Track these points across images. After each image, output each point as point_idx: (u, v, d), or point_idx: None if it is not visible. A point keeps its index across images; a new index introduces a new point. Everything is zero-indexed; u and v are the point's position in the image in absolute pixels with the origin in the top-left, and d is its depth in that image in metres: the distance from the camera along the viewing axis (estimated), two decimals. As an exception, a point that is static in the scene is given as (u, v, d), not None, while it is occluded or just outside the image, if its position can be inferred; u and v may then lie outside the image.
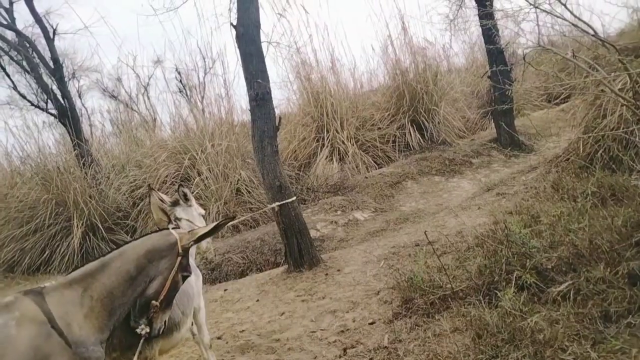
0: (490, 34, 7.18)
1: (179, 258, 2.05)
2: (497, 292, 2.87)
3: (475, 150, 8.52)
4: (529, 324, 2.46)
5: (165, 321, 2.10)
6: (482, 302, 2.87)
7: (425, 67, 9.39)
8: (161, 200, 2.81)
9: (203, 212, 3.11)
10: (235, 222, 6.37)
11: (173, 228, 2.15)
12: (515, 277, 2.84)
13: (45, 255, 7.64)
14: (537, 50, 4.87)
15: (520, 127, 8.82)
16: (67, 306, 1.78)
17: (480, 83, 10.42)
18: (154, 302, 1.98)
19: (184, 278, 2.12)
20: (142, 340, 2.11)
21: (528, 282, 2.78)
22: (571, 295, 2.58)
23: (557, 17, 3.80)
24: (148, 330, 2.00)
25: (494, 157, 8.27)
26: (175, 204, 2.84)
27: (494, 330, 2.55)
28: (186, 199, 2.91)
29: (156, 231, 2.15)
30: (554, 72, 3.97)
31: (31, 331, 1.65)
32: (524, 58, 4.38)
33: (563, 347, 2.29)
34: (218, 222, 2.14)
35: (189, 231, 2.16)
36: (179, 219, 2.76)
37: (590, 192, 3.60)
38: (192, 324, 2.98)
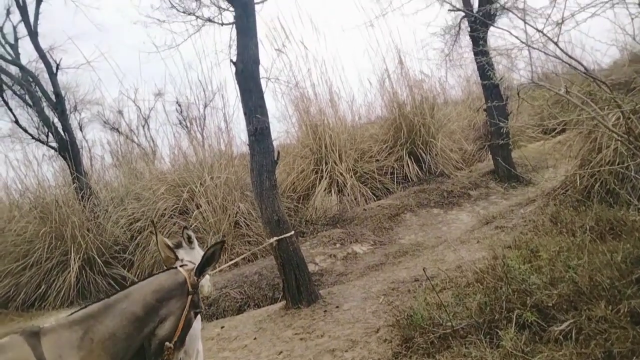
0: (485, 70, 7.33)
1: (190, 296, 2.03)
2: (498, 330, 2.83)
3: (473, 182, 8.54)
4: (531, 365, 2.42)
5: (180, 359, 2.09)
6: (483, 341, 2.82)
7: (422, 100, 9.52)
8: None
9: None
10: (236, 260, 6.31)
11: (181, 266, 2.13)
12: (516, 316, 2.81)
13: (40, 290, 7.54)
14: (532, 85, 4.97)
15: (517, 159, 8.87)
16: (63, 349, 1.73)
17: (476, 115, 10.54)
18: (167, 343, 1.95)
19: (196, 314, 2.11)
20: None
21: (529, 321, 2.74)
22: (573, 334, 2.54)
23: (549, 55, 3.88)
24: None
25: (492, 189, 8.27)
26: (178, 246, 2.82)
27: (496, 372, 2.50)
28: (190, 242, 2.92)
29: (163, 271, 2.12)
30: (547, 107, 4.03)
31: None
32: (517, 94, 4.47)
33: (567, 389, 2.24)
34: (210, 247, 2.11)
35: (191, 268, 2.14)
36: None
37: (588, 227, 3.60)
38: None
